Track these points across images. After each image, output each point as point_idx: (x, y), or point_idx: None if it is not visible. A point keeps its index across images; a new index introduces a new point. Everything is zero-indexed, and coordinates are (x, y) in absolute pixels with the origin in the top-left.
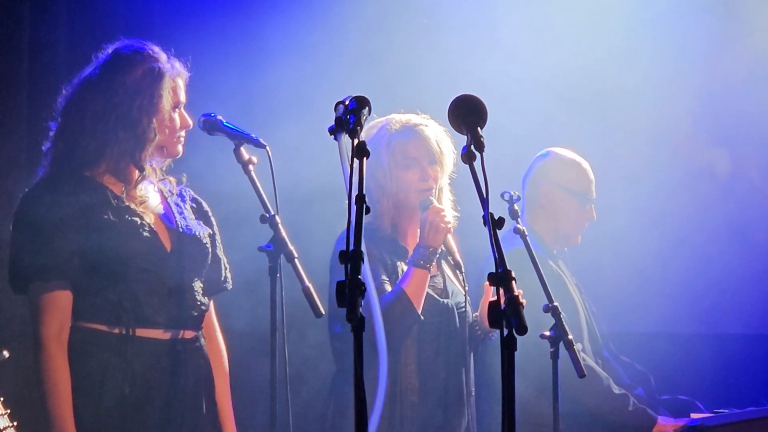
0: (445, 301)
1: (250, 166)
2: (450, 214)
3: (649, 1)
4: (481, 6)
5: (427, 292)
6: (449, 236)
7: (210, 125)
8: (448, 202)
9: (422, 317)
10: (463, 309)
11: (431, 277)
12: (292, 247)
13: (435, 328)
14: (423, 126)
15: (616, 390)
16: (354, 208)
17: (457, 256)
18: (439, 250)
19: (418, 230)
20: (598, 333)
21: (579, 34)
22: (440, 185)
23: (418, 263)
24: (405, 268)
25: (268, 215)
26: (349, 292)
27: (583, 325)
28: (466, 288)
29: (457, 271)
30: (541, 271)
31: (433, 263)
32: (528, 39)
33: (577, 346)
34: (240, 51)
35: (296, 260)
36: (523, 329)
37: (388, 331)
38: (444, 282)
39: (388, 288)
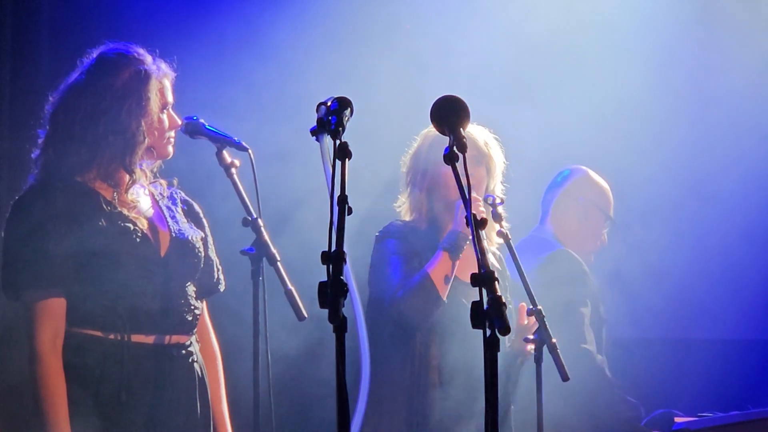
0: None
1: (233, 170)
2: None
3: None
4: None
5: (462, 282)
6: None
7: (192, 128)
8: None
9: (445, 301)
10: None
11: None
12: (274, 251)
13: (463, 314)
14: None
15: (628, 397)
16: (336, 209)
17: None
18: (469, 238)
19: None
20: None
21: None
22: (491, 190)
23: (445, 246)
24: None
25: (250, 218)
26: (331, 292)
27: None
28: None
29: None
30: (526, 277)
31: (463, 249)
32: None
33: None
34: (223, 52)
35: (279, 263)
36: (505, 330)
37: (412, 311)
38: None
39: None
